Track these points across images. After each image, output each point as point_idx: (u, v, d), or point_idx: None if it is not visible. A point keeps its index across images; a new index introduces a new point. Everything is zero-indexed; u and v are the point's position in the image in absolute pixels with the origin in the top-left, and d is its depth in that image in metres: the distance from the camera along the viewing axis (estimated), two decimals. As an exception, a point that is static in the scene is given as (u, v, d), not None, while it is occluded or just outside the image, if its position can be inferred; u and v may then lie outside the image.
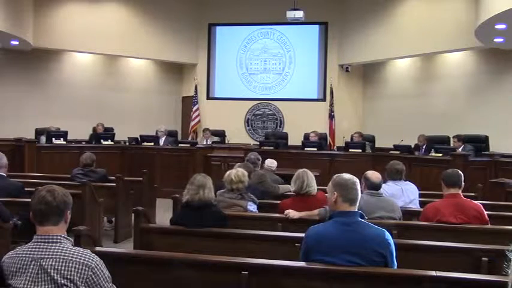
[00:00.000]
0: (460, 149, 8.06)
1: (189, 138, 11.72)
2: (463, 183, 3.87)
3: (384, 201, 4.01)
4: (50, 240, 2.05)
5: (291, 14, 10.08)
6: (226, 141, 10.77)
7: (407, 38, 10.31)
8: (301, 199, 4.23)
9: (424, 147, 9.17)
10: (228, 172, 4.34)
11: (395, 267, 2.65)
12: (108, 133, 9.92)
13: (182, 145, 9.78)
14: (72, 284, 1.98)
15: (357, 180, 2.77)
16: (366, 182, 4.00)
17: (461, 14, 9.07)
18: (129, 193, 6.26)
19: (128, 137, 10.04)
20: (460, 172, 3.91)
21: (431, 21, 9.75)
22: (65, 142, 9.09)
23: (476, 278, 2.57)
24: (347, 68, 12.01)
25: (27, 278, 2.01)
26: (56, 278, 1.98)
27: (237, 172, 4.29)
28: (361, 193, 2.95)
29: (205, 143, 10.20)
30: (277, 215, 4.14)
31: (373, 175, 4.05)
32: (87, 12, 11.10)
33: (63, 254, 2.03)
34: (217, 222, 3.56)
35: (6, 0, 8.95)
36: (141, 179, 6.68)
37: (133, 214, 3.81)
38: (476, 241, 3.34)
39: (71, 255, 2.03)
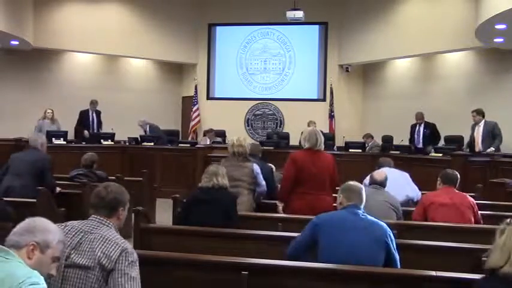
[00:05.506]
0: (481, 124, 7.95)
1: (189, 138, 11.72)
2: (458, 182, 4.25)
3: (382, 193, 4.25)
4: (103, 223, 2.30)
5: (291, 14, 10.09)
6: (226, 141, 10.77)
7: (407, 38, 10.31)
8: (313, 152, 4.33)
9: (422, 125, 9.07)
10: (230, 138, 4.79)
11: (398, 259, 2.81)
12: (109, 133, 9.92)
13: (182, 145, 9.78)
14: (106, 259, 2.15)
15: (362, 187, 3.10)
16: (370, 179, 4.37)
17: (461, 14, 9.07)
18: (129, 193, 6.23)
19: (128, 137, 10.03)
20: (458, 174, 4.28)
21: (431, 21, 9.75)
22: (65, 142, 9.09)
23: (476, 278, 2.57)
24: (347, 68, 12.00)
25: (71, 244, 2.21)
26: (95, 250, 2.18)
27: (238, 137, 4.69)
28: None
29: (207, 143, 10.19)
30: (277, 215, 4.15)
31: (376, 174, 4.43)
32: (87, 12, 11.09)
33: (108, 234, 2.24)
34: (229, 204, 3.79)
35: (6, 0, 8.95)
36: (141, 179, 6.67)
37: (133, 214, 3.82)
38: (476, 241, 3.34)
39: (113, 237, 2.24)
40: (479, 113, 8.04)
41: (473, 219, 4.05)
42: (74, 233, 2.26)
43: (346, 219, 2.90)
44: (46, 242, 1.88)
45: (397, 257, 2.85)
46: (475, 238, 3.47)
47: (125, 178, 6.38)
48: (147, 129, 10.18)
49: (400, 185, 4.80)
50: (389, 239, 2.83)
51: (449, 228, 3.76)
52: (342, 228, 2.85)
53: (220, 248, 3.31)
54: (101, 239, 2.22)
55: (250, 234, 3.51)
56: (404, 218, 4.22)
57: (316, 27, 12.05)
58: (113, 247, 2.19)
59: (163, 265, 2.83)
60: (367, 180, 4.54)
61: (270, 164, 6.01)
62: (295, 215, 4.12)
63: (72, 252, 2.20)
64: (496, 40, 8.37)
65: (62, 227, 2.29)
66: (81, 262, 2.17)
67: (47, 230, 1.92)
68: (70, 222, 2.34)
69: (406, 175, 5.09)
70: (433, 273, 2.53)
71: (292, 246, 3.00)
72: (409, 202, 4.78)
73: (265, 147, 9.27)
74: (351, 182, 3.12)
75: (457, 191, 4.20)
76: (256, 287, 2.68)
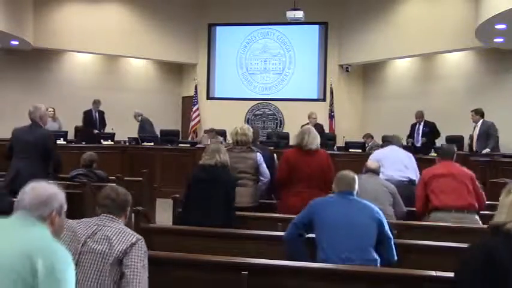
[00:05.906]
0: (478, 124, 7.93)
1: (189, 139, 11.72)
2: (455, 156, 4.44)
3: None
4: (114, 220, 2.46)
5: (291, 14, 10.08)
6: (226, 141, 10.76)
7: (407, 38, 10.32)
8: (306, 151, 4.38)
9: (422, 124, 9.02)
10: (235, 126, 4.63)
11: (392, 237, 2.99)
12: (109, 133, 9.93)
13: (182, 145, 9.77)
14: (123, 244, 2.29)
15: (353, 175, 3.23)
16: (364, 169, 4.54)
17: (461, 14, 9.07)
18: (129, 193, 6.22)
19: (128, 137, 10.03)
20: (454, 147, 4.52)
21: (431, 21, 9.75)
22: (65, 142, 9.09)
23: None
24: (347, 68, 12.01)
25: (87, 233, 2.36)
26: (111, 238, 2.32)
27: (242, 126, 4.59)
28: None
29: (208, 142, 10.18)
30: (277, 215, 4.15)
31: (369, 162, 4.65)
32: (87, 12, 11.10)
33: (121, 227, 2.42)
34: (230, 183, 3.82)
35: (6, 0, 8.95)
36: (141, 179, 6.66)
37: (133, 214, 3.82)
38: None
39: (125, 229, 2.40)
40: (478, 112, 8.05)
41: (472, 189, 4.16)
42: (89, 225, 2.42)
43: (339, 201, 3.15)
44: (61, 204, 2.02)
45: (391, 235, 3.03)
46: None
47: (125, 178, 6.37)
48: (140, 120, 10.31)
49: (404, 165, 5.04)
50: (380, 216, 3.05)
51: (449, 228, 3.76)
52: (336, 207, 3.09)
53: (220, 248, 3.31)
54: (116, 230, 2.37)
55: (250, 234, 3.50)
56: (406, 218, 4.23)
57: (316, 27, 12.05)
58: (128, 235, 2.35)
59: (163, 265, 2.83)
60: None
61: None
62: (293, 214, 4.11)
63: (88, 240, 2.34)
64: (496, 40, 8.38)
65: (76, 222, 2.45)
66: (97, 248, 2.30)
67: (56, 193, 2.01)
68: (83, 219, 2.49)
69: (411, 157, 5.27)
70: (433, 273, 2.53)
71: (289, 231, 3.15)
72: (408, 183, 4.95)
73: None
74: (343, 172, 3.29)
75: (455, 163, 4.36)
76: (256, 287, 2.68)
